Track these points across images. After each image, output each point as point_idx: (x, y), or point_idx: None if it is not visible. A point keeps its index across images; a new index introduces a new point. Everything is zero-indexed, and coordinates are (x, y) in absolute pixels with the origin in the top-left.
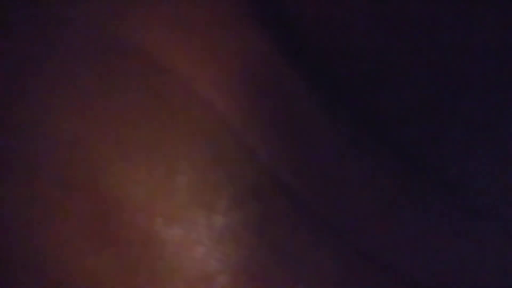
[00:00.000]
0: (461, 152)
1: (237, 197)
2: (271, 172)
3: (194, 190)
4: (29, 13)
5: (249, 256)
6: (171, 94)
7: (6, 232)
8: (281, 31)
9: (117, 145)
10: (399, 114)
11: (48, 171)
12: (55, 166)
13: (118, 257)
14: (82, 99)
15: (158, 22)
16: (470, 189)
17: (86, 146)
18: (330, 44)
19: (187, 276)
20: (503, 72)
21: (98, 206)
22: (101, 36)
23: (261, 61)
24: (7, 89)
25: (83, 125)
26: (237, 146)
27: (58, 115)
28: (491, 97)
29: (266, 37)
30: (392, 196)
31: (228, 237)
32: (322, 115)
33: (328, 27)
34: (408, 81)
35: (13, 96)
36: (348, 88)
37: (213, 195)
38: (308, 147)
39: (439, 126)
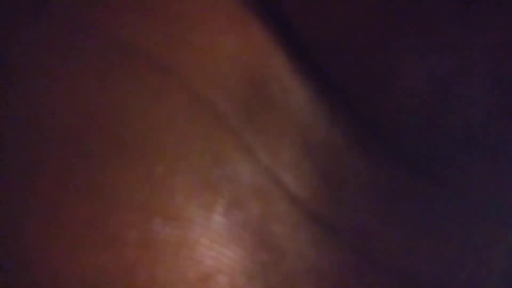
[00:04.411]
0: (461, 154)
1: (237, 197)
2: (271, 172)
3: (193, 190)
4: (29, 13)
5: (248, 256)
6: (171, 94)
7: (4, 231)
8: (281, 30)
9: (117, 144)
10: (400, 116)
11: (47, 170)
12: (54, 165)
13: (117, 257)
14: (82, 99)
15: (158, 22)
16: (470, 190)
17: (85, 145)
18: (330, 43)
19: (186, 276)
20: (503, 74)
21: (98, 206)
22: (101, 36)
23: (261, 61)
24: (6, 88)
25: (82, 124)
26: (237, 146)
27: (57, 114)
28: (490, 99)
29: (266, 37)
30: (392, 197)
31: (227, 237)
32: (322, 116)
33: (329, 26)
34: (409, 82)
35: (12, 95)
36: (349, 88)
37: (212, 195)
38: (308, 147)
39: (439, 128)
